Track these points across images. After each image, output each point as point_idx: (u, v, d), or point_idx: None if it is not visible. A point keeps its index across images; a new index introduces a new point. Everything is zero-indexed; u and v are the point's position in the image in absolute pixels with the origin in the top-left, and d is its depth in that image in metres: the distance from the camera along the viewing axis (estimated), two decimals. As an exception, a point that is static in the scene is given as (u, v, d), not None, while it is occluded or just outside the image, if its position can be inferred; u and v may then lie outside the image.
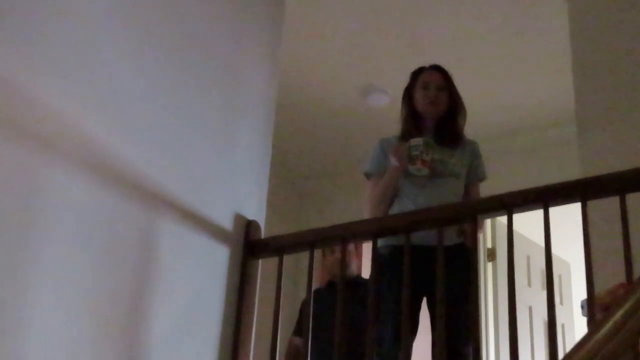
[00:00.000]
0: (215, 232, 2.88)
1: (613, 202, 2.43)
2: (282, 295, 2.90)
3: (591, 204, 2.50)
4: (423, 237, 2.89)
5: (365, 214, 3.37)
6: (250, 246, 2.96)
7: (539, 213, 2.53)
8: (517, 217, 2.62)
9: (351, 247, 4.19)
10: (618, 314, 1.78)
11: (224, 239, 2.91)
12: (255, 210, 3.08)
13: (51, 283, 2.24)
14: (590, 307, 2.28)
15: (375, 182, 3.37)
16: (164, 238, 2.67)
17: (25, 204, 2.22)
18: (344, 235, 2.90)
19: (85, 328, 2.33)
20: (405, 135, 3.36)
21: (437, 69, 3.49)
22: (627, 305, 1.78)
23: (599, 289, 2.38)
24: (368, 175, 3.44)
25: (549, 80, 5.32)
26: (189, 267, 2.76)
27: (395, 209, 3.28)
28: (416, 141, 3.23)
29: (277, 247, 2.98)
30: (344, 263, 2.89)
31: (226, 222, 2.93)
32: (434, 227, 2.70)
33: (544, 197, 2.52)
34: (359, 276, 4.37)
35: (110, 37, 2.59)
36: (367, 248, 3.60)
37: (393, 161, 3.26)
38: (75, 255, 2.33)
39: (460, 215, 2.79)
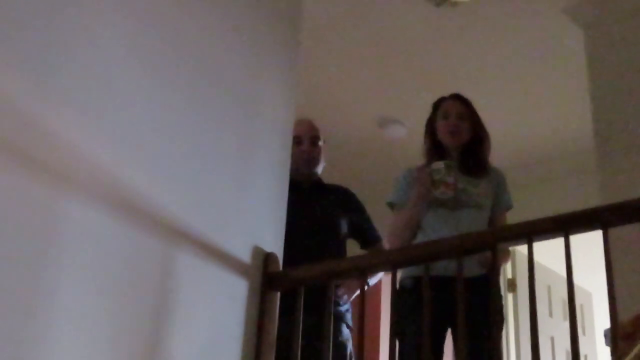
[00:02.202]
0: (233, 264, 2.86)
1: (636, 230, 2.40)
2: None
3: (613, 233, 2.47)
4: (445, 267, 2.86)
5: (386, 244, 3.35)
6: (268, 278, 2.94)
7: (560, 243, 2.50)
8: (537, 247, 2.59)
9: (323, 145, 3.78)
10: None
11: (242, 271, 2.89)
12: (274, 242, 3.06)
13: (68, 318, 2.23)
14: (613, 336, 2.25)
15: (399, 212, 3.35)
16: (182, 271, 2.65)
17: (41, 238, 2.21)
18: (363, 267, 2.87)
19: (104, 362, 2.32)
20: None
21: (458, 97, 3.46)
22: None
23: (621, 318, 2.35)
24: (392, 206, 3.41)
25: (567, 109, 5.31)
26: (207, 300, 2.74)
27: (419, 241, 3.26)
28: (437, 165, 3.23)
29: (296, 279, 2.96)
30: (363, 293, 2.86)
31: (244, 255, 2.91)
32: (453, 257, 2.67)
33: (565, 225, 2.49)
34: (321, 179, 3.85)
35: (127, 70, 2.60)
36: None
37: (418, 188, 3.24)
38: (93, 289, 2.32)
39: (479, 245, 2.76)
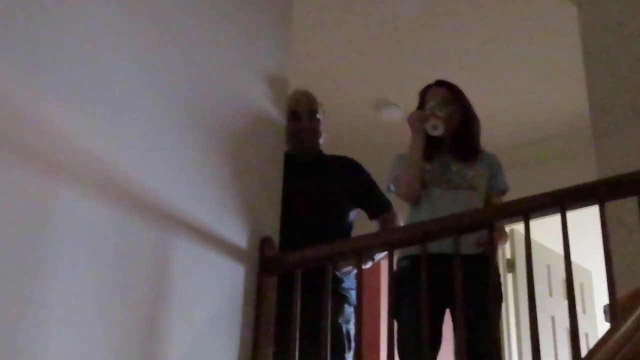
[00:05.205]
0: (229, 249, 2.86)
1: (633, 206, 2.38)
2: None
3: (610, 210, 2.46)
4: (440, 244, 2.85)
5: (400, 196, 3.35)
6: (265, 263, 2.93)
7: (558, 222, 2.48)
8: (536, 227, 2.58)
9: (321, 116, 3.66)
10: (637, 313, 1.75)
11: (239, 256, 2.88)
12: (270, 226, 3.05)
13: (64, 306, 2.23)
14: (612, 310, 2.24)
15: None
16: (178, 257, 2.65)
17: (37, 228, 2.21)
18: (360, 248, 2.87)
19: (101, 350, 2.31)
20: (422, 154, 3.30)
21: (443, 84, 3.44)
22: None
23: (620, 294, 2.34)
24: (391, 187, 3.37)
25: (562, 87, 5.28)
26: (204, 285, 2.73)
27: (413, 221, 3.24)
28: (430, 103, 3.30)
29: (293, 262, 2.96)
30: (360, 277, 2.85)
31: (240, 240, 2.91)
32: (450, 236, 2.66)
33: (561, 200, 2.48)
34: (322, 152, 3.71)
35: (117, 57, 2.60)
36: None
37: (410, 124, 3.30)
38: (89, 277, 2.32)
39: (476, 223, 2.75)
